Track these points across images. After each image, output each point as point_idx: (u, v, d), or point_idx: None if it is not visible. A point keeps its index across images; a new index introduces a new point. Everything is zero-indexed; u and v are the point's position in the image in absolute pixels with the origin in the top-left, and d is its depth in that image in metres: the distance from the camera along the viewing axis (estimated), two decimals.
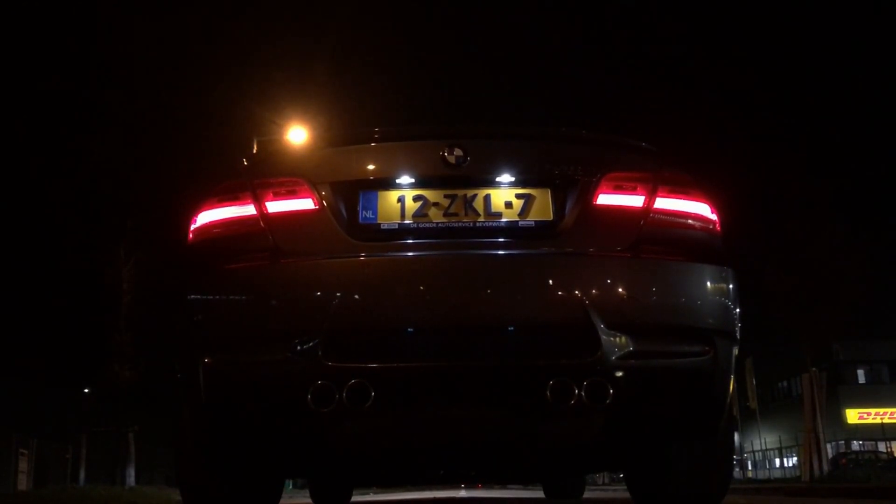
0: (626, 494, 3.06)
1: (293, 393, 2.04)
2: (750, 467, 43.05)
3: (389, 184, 2.31)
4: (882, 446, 31.34)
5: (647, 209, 2.29)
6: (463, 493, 15.85)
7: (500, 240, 2.25)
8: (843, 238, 19.03)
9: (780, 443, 37.76)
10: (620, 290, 2.17)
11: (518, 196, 2.31)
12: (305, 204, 2.26)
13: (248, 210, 2.27)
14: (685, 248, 2.29)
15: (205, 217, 2.32)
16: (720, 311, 2.27)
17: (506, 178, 2.32)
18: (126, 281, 17.34)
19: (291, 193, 2.27)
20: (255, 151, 16.16)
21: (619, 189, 2.31)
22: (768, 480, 27.41)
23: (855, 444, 35.13)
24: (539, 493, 8.36)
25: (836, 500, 7.07)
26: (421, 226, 2.26)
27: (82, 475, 19.53)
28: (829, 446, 21.07)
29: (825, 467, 16.35)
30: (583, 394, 2.04)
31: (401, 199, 2.29)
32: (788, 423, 35.72)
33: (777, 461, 41.03)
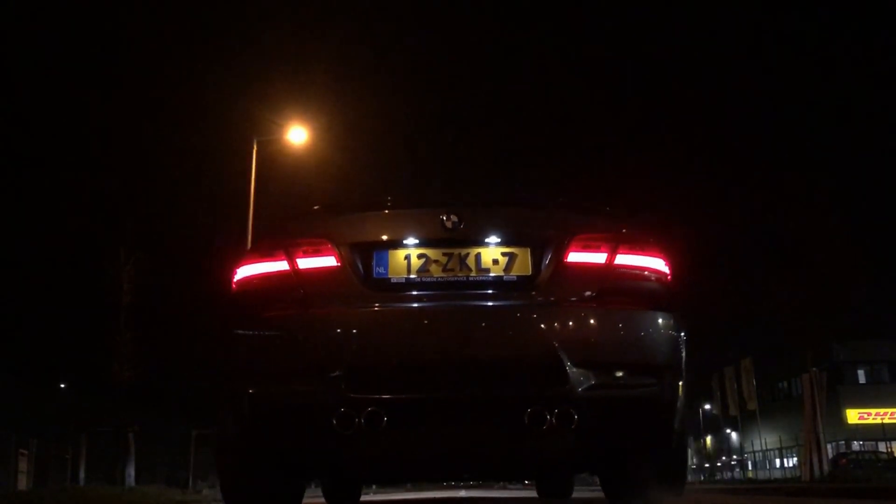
0: None
1: (321, 418, 2.49)
2: (750, 467, 43.03)
3: (398, 244, 2.74)
4: (882, 446, 31.33)
5: (609, 265, 2.72)
6: (463, 493, 15.90)
7: (489, 291, 2.70)
8: (843, 238, 19.02)
9: (780, 443, 37.75)
10: (586, 333, 2.61)
11: (503, 254, 2.74)
12: (329, 261, 2.70)
13: (282, 266, 2.71)
14: (641, 297, 2.73)
15: (245, 271, 2.76)
16: (668, 350, 2.71)
17: (493, 239, 2.76)
18: (126, 281, 17.33)
19: (317, 252, 2.71)
20: (255, 152, 16.21)
21: (586, 248, 2.73)
22: (768, 480, 27.39)
23: (855, 444, 35.11)
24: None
25: (836, 500, 7.06)
26: (424, 280, 2.70)
27: (82, 475, 19.51)
28: (829, 446, 21.01)
29: (825, 467, 16.31)
30: (553, 419, 2.48)
31: (407, 258, 2.73)
32: (788, 423, 35.71)
33: (777, 461, 41.02)
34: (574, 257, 2.72)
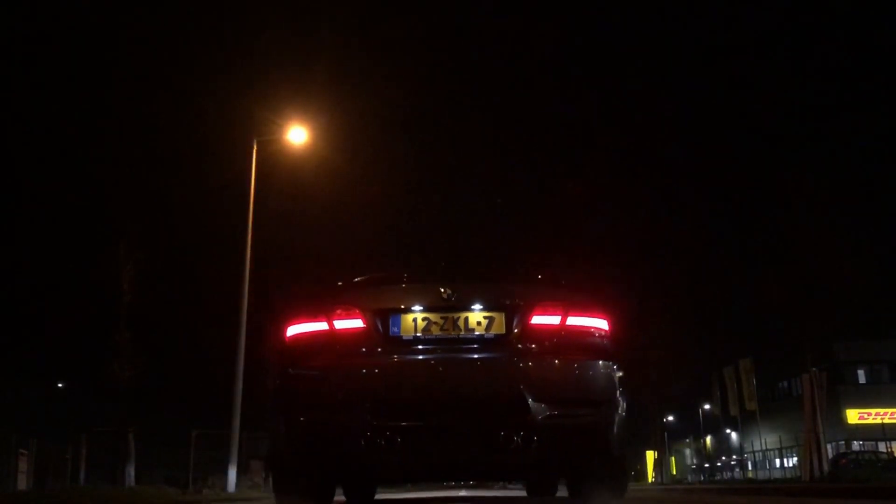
0: None
1: (352, 438, 3.35)
2: (750, 467, 43.01)
3: (408, 310, 3.57)
4: (882, 446, 31.28)
5: (562, 325, 3.57)
6: (463, 493, 15.93)
7: (474, 346, 3.53)
8: (843, 238, 19.02)
9: (781, 443, 37.72)
10: (544, 377, 3.45)
11: (485, 317, 3.57)
12: (357, 323, 3.53)
13: (323, 326, 3.56)
14: (586, 350, 3.58)
15: (295, 329, 3.62)
16: (605, 389, 3.58)
17: (477, 306, 3.59)
18: (126, 281, 17.33)
19: (349, 316, 3.54)
20: (254, 151, 16.21)
21: (545, 312, 3.57)
22: (768, 480, 27.39)
23: (855, 444, 35.06)
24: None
25: (836, 500, 7.07)
26: (427, 337, 3.53)
27: (82, 475, 19.51)
28: (829, 446, 20.99)
29: (825, 467, 16.30)
30: (519, 440, 3.33)
31: (415, 320, 3.55)
32: (788, 424, 35.69)
33: (777, 461, 40.98)
34: (536, 320, 3.56)
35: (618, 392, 3.63)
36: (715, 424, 48.75)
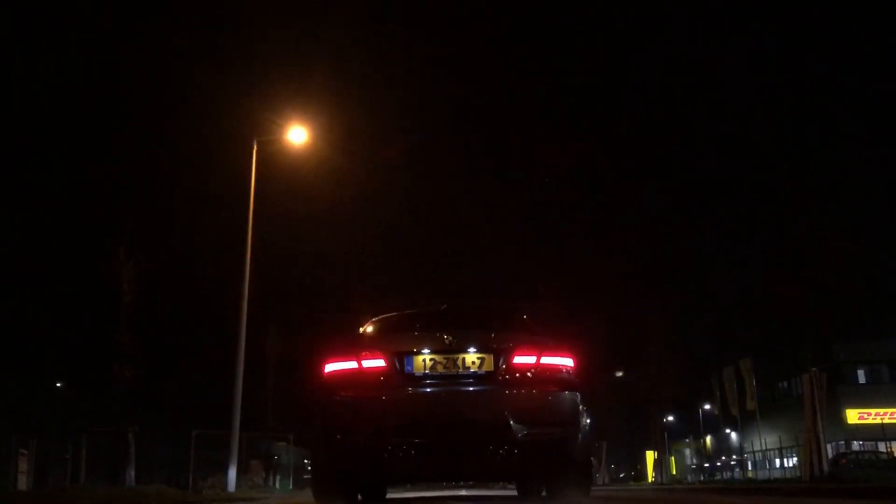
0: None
1: (377, 452, 4.38)
2: (750, 467, 42.99)
3: (419, 352, 4.57)
4: (882, 446, 31.29)
5: (537, 364, 4.55)
6: (463, 492, 15.98)
7: (470, 380, 4.51)
8: (843, 239, 19.01)
9: (780, 443, 37.70)
10: (522, 405, 4.44)
11: (478, 358, 4.55)
12: (380, 363, 4.53)
13: (353, 365, 4.55)
14: (555, 383, 4.56)
15: (331, 367, 4.61)
16: (569, 412, 4.59)
17: (472, 349, 4.57)
18: (126, 281, 17.33)
19: (373, 357, 4.54)
20: (255, 151, 16.21)
21: (524, 353, 4.56)
22: (768, 480, 27.38)
23: (855, 444, 35.05)
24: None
25: (836, 500, 7.06)
26: (433, 374, 4.52)
27: (82, 475, 19.48)
28: (829, 446, 20.96)
29: (825, 467, 16.28)
30: (504, 452, 4.38)
31: (423, 360, 4.54)
32: (788, 424, 35.66)
33: (777, 461, 40.96)
34: (517, 360, 4.53)
35: (580, 414, 4.67)
36: (715, 424, 48.75)
